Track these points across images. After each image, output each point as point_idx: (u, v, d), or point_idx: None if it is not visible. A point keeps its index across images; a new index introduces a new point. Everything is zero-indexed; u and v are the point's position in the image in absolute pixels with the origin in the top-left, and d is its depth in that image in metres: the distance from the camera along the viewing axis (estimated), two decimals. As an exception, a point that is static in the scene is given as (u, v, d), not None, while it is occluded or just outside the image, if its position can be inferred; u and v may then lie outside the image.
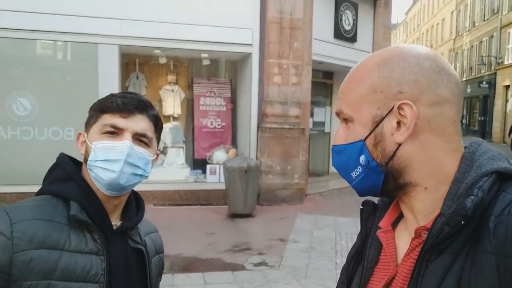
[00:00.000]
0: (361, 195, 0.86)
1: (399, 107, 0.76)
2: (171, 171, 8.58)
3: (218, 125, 9.18)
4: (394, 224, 0.89)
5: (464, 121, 34.26)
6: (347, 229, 6.64)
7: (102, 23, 7.42)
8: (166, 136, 8.80)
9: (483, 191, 0.71)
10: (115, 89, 7.60)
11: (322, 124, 11.64)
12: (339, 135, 0.85)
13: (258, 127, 8.37)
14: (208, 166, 8.53)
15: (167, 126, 8.99)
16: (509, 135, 15.22)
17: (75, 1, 7.32)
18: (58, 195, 1.12)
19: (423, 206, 0.79)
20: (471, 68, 32.89)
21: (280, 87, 8.37)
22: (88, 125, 1.20)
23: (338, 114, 0.86)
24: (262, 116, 8.40)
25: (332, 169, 11.63)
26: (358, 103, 0.81)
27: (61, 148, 1.67)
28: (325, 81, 11.63)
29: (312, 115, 10.54)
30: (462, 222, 0.70)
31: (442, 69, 0.79)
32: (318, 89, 10.92)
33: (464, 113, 34.38)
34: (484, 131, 28.52)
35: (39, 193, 1.16)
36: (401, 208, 0.86)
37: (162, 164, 8.76)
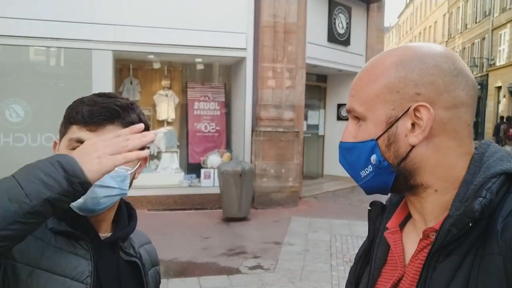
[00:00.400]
0: (368, 193, 0.86)
1: (416, 109, 0.75)
2: (165, 175, 8.58)
3: (212, 129, 9.19)
4: (402, 225, 0.89)
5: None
6: (342, 231, 6.67)
7: (95, 29, 7.42)
8: (160, 141, 8.80)
9: (492, 192, 0.71)
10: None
11: (316, 127, 11.70)
12: (348, 132, 0.84)
13: (252, 130, 8.40)
14: (202, 170, 8.54)
15: (161, 131, 9.00)
16: (493, 134, 15.47)
17: (69, 7, 7.32)
18: None
19: (432, 208, 0.79)
20: (463, 70, 33.05)
21: (274, 90, 8.40)
22: (60, 134, 1.06)
23: (349, 111, 0.84)
24: (256, 119, 8.43)
25: (326, 171, 11.67)
26: (372, 102, 0.79)
27: (54, 155, 1.67)
28: (319, 84, 11.68)
29: (306, 118, 10.59)
30: (470, 224, 0.70)
31: (460, 71, 0.77)
32: (312, 92, 10.97)
33: (457, 114, 34.55)
34: (477, 132, 28.70)
35: None
36: (410, 209, 0.86)
37: (156, 169, 8.76)
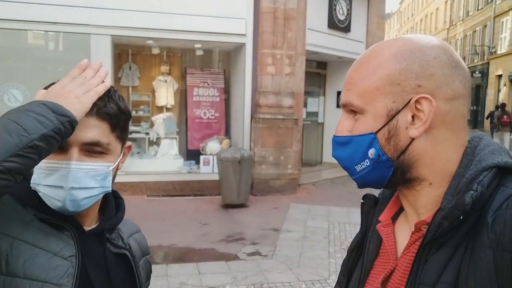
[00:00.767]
0: (361, 187, 0.85)
1: (416, 101, 0.75)
2: (164, 162, 8.60)
3: (212, 115, 9.17)
4: (394, 218, 0.89)
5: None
6: (340, 219, 6.70)
7: (94, 13, 7.35)
8: (160, 127, 8.79)
9: (483, 185, 0.71)
10: (108, 79, 7.54)
11: (316, 114, 11.67)
12: (343, 126, 0.82)
13: (251, 117, 8.39)
14: (201, 157, 8.54)
15: (160, 117, 8.98)
16: (487, 118, 15.67)
17: (66, -9, 7.25)
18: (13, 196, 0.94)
19: (426, 201, 0.79)
20: (464, 58, 32.95)
21: (273, 77, 8.36)
22: None
23: (345, 105, 0.82)
24: (255, 106, 8.41)
25: (325, 159, 11.69)
26: (372, 95, 0.78)
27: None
28: (318, 71, 11.62)
29: (305, 105, 10.55)
30: (461, 217, 0.70)
31: (457, 63, 0.78)
32: (311, 79, 10.91)
33: (457, 102, 34.53)
34: (476, 121, 28.71)
35: None
36: (402, 202, 0.86)
37: (156, 155, 8.77)
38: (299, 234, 6.00)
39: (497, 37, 25.93)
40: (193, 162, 8.66)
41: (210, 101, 9.20)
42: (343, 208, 7.27)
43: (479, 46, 28.80)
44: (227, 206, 7.33)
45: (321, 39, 9.58)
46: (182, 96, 9.44)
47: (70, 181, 0.92)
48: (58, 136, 0.84)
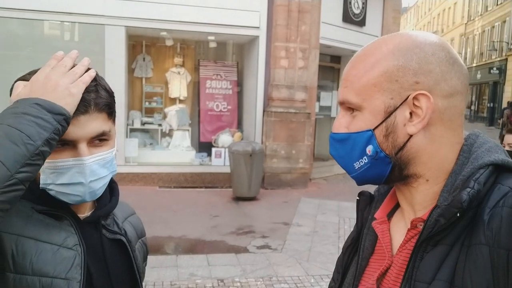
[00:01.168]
0: (360, 184, 0.85)
1: (414, 98, 0.75)
2: (176, 153, 8.65)
3: (224, 108, 9.18)
4: (390, 215, 0.89)
5: (472, 107, 33.95)
6: (351, 214, 6.67)
7: (108, 4, 7.39)
8: (172, 119, 8.83)
9: (479, 183, 0.71)
10: (122, 70, 7.61)
11: (329, 108, 11.58)
12: (340, 123, 0.82)
13: (263, 111, 8.37)
14: (213, 149, 8.57)
15: (173, 109, 9.02)
16: (498, 119, 15.46)
17: (82, -18, 7.29)
18: None
19: (422, 198, 0.79)
20: (481, 54, 32.43)
21: (286, 71, 8.33)
22: None
23: (342, 103, 0.82)
24: (268, 100, 8.39)
25: (338, 154, 11.60)
26: (369, 92, 0.77)
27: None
28: (332, 65, 11.52)
29: (318, 99, 10.49)
30: (458, 214, 0.70)
31: (455, 60, 0.77)
32: (325, 73, 10.83)
33: (473, 99, 34.05)
34: (493, 118, 28.26)
35: None
36: (399, 199, 0.86)
37: (168, 146, 8.83)
38: (309, 228, 6.00)
39: (516, 33, 25.41)
40: (205, 154, 8.69)
41: (223, 93, 9.20)
42: (354, 203, 7.17)
43: (497, 42, 28.27)
44: (238, 199, 7.35)
45: (335, 33, 9.49)
46: (195, 88, 9.45)
47: (88, 176, 0.94)
48: (57, 136, 0.85)
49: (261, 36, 8.28)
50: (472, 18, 34.56)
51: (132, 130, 8.59)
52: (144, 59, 9.12)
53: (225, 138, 8.63)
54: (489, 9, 30.82)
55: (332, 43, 9.53)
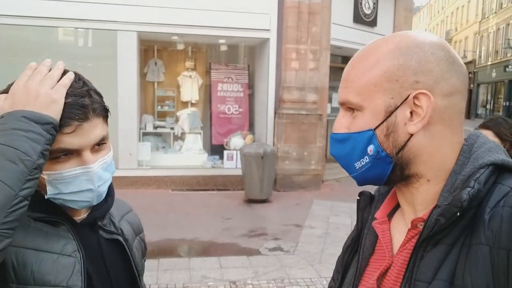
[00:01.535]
0: (361, 184, 0.84)
1: (415, 97, 0.75)
2: (188, 156, 8.70)
3: (236, 111, 9.21)
4: (390, 215, 0.89)
5: (488, 106, 33.44)
6: (363, 216, 6.63)
7: (120, 10, 7.49)
8: (184, 122, 8.90)
9: (480, 183, 0.71)
10: (134, 75, 7.70)
11: (341, 109, 11.54)
12: (341, 123, 0.82)
13: (275, 113, 8.38)
14: (225, 152, 8.60)
15: (185, 112, 9.09)
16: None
17: (94, -12, 7.41)
18: None
19: (423, 198, 0.79)
20: (496, 52, 31.94)
21: (297, 72, 8.32)
22: None
23: (342, 103, 0.82)
24: (279, 102, 8.40)
25: (350, 155, 11.56)
26: (370, 92, 0.78)
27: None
28: (343, 66, 11.28)
29: (330, 100, 10.46)
30: (458, 214, 0.70)
31: (454, 59, 0.78)
32: (336, 74, 10.77)
33: (489, 98, 33.55)
34: (509, 117, 27.78)
35: None
36: (399, 200, 0.86)
37: (180, 149, 8.89)
38: (321, 230, 5.98)
39: (532, 30, 25.00)
40: (217, 157, 8.73)
41: (234, 96, 9.24)
42: (367, 205, 7.18)
43: (512, 39, 27.82)
44: (250, 201, 7.37)
45: (346, 34, 9.46)
46: (207, 91, 9.51)
47: (96, 182, 0.95)
48: (49, 146, 0.86)
49: (271, 38, 8.30)
50: (486, 16, 34.09)
51: (145, 134, 8.67)
52: (156, 63, 9.21)
53: (236, 141, 8.66)
54: (504, 6, 30.37)
55: (343, 44, 9.50)
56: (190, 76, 9.23)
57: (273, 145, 8.20)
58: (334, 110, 11.14)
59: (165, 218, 6.16)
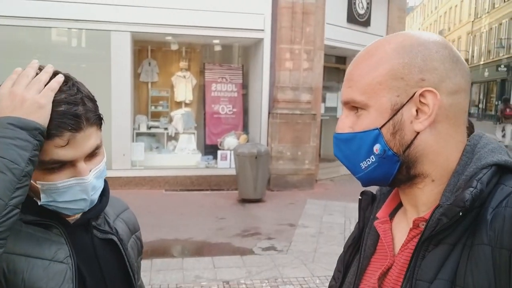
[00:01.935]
0: (366, 185, 0.85)
1: (421, 95, 0.75)
2: (182, 156, 8.70)
3: (230, 111, 9.22)
4: (392, 215, 0.89)
5: (480, 105, 33.66)
6: (357, 215, 6.64)
7: (114, 10, 7.47)
8: (178, 122, 8.90)
9: (482, 183, 0.71)
10: (128, 75, 7.69)
11: (335, 109, 11.55)
12: (344, 123, 0.82)
13: (269, 113, 8.40)
14: (219, 152, 8.61)
15: (179, 112, 9.08)
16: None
17: (87, -12, 7.39)
18: None
19: (427, 199, 0.80)
20: (489, 51, 32.16)
21: (291, 72, 8.34)
22: None
23: (347, 103, 0.82)
24: (273, 102, 8.41)
25: (344, 154, 11.60)
26: (375, 90, 0.77)
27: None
28: (337, 66, 11.51)
29: (324, 100, 10.49)
30: (460, 214, 0.70)
31: (458, 58, 0.78)
32: (330, 74, 10.83)
33: (481, 97, 33.76)
34: (499, 116, 27.98)
35: None
36: (402, 200, 0.86)
37: (174, 150, 8.88)
38: (315, 229, 6.01)
39: (524, 30, 25.19)
40: (210, 157, 8.73)
41: (228, 96, 9.24)
42: (360, 204, 7.21)
43: (505, 39, 28.02)
44: (244, 201, 7.38)
45: (340, 34, 9.49)
46: (201, 91, 9.51)
47: (89, 191, 0.96)
48: (38, 152, 0.85)
49: (265, 38, 8.31)
50: (479, 16, 34.30)
51: (138, 134, 8.66)
52: (149, 63, 9.19)
53: (230, 141, 8.67)
54: (496, 6, 30.57)
55: (337, 44, 9.53)
56: (184, 76, 9.23)
57: (267, 145, 8.22)
58: (328, 110, 11.19)
59: (159, 218, 6.16)
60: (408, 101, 0.76)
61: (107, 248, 1.07)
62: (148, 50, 9.18)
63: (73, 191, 0.93)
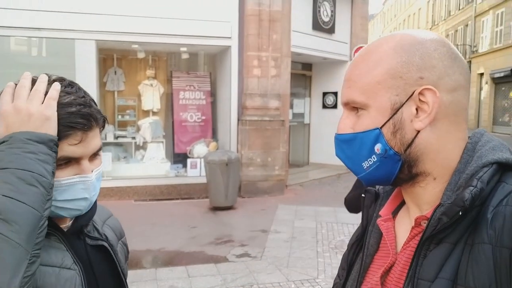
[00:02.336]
0: (368, 185, 0.84)
1: (420, 93, 0.75)
2: (151, 166, 8.58)
3: (198, 118, 9.18)
4: (395, 213, 0.89)
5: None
6: (328, 219, 6.77)
7: (78, 18, 7.31)
8: (146, 131, 8.77)
9: (483, 182, 0.71)
10: (93, 84, 7.53)
11: (302, 115, 11.75)
12: (345, 123, 0.82)
13: (238, 120, 8.42)
14: (188, 160, 8.54)
15: (146, 121, 8.96)
16: None
17: (50, -4, 7.20)
18: None
19: (429, 197, 0.80)
20: (447, 57, 33.37)
21: (259, 79, 8.41)
22: None
23: (346, 103, 0.82)
24: (242, 108, 8.45)
25: (312, 159, 11.78)
26: (374, 90, 0.77)
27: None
28: (304, 72, 11.71)
29: (291, 106, 10.63)
30: (460, 213, 0.70)
31: (456, 55, 0.79)
32: (297, 81, 11.00)
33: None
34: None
35: None
36: (404, 198, 0.86)
37: (142, 159, 8.75)
38: (287, 234, 6.05)
39: (478, 36, 26.38)
40: (180, 165, 8.65)
41: (197, 104, 9.20)
42: (331, 208, 7.34)
43: (461, 45, 29.24)
44: (215, 208, 7.35)
45: (306, 41, 9.67)
46: (168, 99, 9.42)
47: (91, 191, 0.97)
48: (56, 164, 0.88)
49: (233, 46, 8.34)
50: (436, 23, 35.66)
51: (105, 144, 8.44)
52: (115, 72, 9.04)
53: (200, 149, 8.62)
54: (452, 13, 31.91)
55: (303, 51, 9.70)
56: (151, 85, 9.12)
57: (237, 151, 8.23)
58: (296, 116, 11.35)
59: (130, 229, 5.99)
60: (407, 99, 0.76)
61: (99, 254, 1.08)
62: (114, 58, 9.03)
63: (74, 189, 0.95)
